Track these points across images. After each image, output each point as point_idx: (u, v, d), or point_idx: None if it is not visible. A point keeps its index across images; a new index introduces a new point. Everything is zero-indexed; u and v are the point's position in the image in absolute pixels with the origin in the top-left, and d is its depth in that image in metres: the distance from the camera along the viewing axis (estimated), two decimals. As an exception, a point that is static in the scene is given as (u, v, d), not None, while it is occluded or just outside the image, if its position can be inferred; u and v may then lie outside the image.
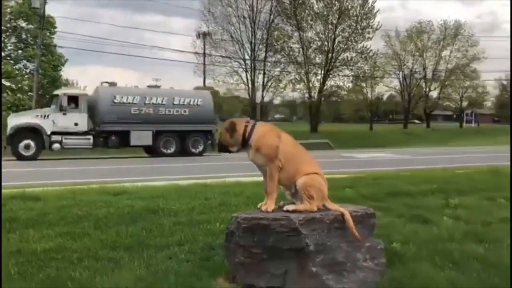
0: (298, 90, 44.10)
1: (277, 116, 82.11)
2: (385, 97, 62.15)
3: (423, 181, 9.13)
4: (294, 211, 3.47)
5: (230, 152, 3.64)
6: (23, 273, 3.65)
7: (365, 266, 3.51)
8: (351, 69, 45.97)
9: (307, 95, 43.59)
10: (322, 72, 43.64)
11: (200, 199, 6.84)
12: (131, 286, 3.42)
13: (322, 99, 44.30)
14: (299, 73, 42.81)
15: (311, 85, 43.36)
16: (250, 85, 41.34)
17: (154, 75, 36.17)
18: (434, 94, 59.61)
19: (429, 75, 57.75)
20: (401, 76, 56.98)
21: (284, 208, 3.54)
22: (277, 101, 46.01)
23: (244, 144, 3.55)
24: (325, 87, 43.92)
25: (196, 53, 43.29)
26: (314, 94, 43.34)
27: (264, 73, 41.66)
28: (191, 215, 5.75)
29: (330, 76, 44.06)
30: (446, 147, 32.52)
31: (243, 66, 41.39)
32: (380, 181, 9.20)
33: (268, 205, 3.54)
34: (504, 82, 78.17)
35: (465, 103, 65.75)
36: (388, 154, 24.76)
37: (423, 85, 58.26)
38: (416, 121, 72.77)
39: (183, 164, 17.81)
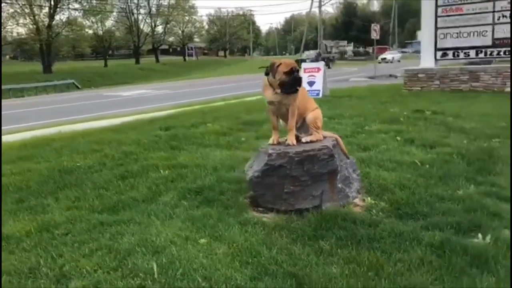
0: (22, 25, 38.69)
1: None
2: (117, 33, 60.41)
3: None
4: (311, 141, 4.05)
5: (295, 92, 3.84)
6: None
7: (354, 177, 4.42)
8: (80, 2, 42.92)
9: (34, 31, 38.71)
10: (49, 4, 39.27)
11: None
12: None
13: (54, 35, 40.16)
14: (22, 6, 37.40)
15: (37, 19, 38.58)
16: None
17: None
18: (160, 29, 61.50)
19: (154, 10, 59.06)
20: (127, 11, 56.33)
21: (303, 140, 4.07)
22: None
23: None
24: (54, 22, 39.88)
25: None
26: (43, 29, 38.91)
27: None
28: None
29: (58, 9, 40.10)
30: (192, 79, 34.92)
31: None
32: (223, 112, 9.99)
33: (291, 139, 4.00)
34: (214, 18, 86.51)
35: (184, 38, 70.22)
36: (149, 90, 25.29)
37: (149, 20, 59.28)
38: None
39: None
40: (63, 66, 45.68)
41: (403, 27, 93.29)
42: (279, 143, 4.08)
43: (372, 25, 27.10)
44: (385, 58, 54.23)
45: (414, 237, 3.34)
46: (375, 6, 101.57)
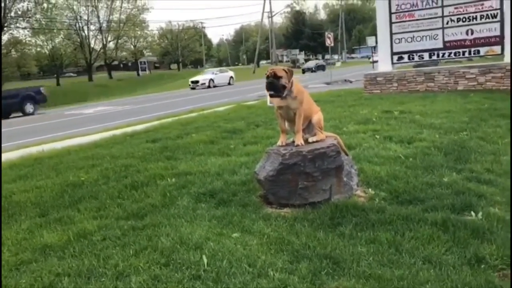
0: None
1: None
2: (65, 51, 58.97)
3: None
4: (316, 141, 4.47)
5: (280, 97, 4.17)
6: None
7: (353, 172, 4.87)
8: (28, 21, 41.87)
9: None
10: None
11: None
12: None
13: (2, 55, 38.97)
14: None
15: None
16: None
17: None
18: (112, 45, 60.68)
19: (105, 26, 58.31)
20: (77, 28, 55.30)
21: (310, 140, 4.47)
22: None
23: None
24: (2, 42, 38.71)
25: None
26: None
27: None
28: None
29: (6, 29, 38.96)
30: (150, 94, 34.74)
31: None
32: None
33: (299, 140, 4.39)
34: (165, 31, 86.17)
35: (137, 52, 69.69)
36: (110, 107, 25.05)
37: (100, 36, 58.43)
38: (72, 74, 73.22)
39: None
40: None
41: (350, 33, 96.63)
42: (287, 144, 4.46)
43: (326, 33, 28.15)
44: (197, 82, 36.74)
45: (419, 219, 3.79)
46: (322, 14, 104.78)
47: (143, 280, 2.97)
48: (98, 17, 57.30)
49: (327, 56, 70.15)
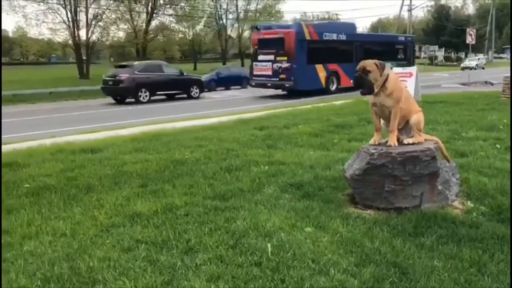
0: (122, 30, 41.87)
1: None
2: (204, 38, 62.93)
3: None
4: (412, 143, 4.19)
5: (371, 93, 4.02)
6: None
7: (453, 181, 4.47)
8: (174, 8, 45.48)
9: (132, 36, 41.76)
10: (147, 10, 42.12)
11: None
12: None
13: (150, 39, 42.99)
14: (122, 12, 40.42)
15: (135, 23, 41.53)
16: (71, 24, 37.33)
17: None
18: (247, 34, 62.92)
19: (242, 15, 60.74)
20: (217, 16, 58.44)
21: (405, 142, 4.22)
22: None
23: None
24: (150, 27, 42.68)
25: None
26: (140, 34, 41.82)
27: (87, 10, 38.02)
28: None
29: (155, 15, 42.84)
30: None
31: (62, 2, 36.88)
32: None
33: (393, 140, 4.15)
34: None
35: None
36: (238, 93, 26.19)
37: (237, 25, 61.03)
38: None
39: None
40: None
41: (501, 31, 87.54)
42: (379, 144, 4.26)
43: (468, 29, 25.91)
44: None
45: (518, 241, 3.37)
46: (470, 9, 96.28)
47: (208, 258, 3.11)
48: (236, 6, 59.83)
49: (469, 55, 64.44)
